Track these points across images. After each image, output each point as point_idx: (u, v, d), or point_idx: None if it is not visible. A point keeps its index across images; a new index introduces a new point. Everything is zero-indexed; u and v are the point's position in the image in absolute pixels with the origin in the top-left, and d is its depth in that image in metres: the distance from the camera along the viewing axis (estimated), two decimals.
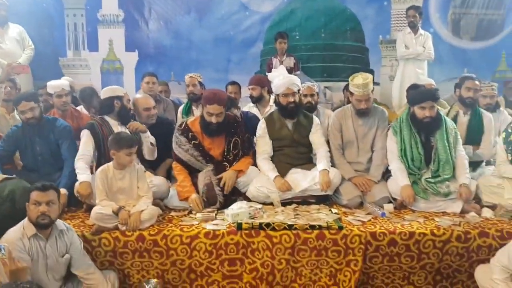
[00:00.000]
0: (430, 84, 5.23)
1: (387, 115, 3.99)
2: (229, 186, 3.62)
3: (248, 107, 4.92)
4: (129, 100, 4.01)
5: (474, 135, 4.19)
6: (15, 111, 4.11)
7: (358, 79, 3.72)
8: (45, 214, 2.65)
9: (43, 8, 6.34)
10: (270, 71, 5.86)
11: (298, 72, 5.88)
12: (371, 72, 6.47)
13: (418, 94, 3.70)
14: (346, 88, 4.78)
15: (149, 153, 3.89)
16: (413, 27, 5.81)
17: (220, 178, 3.63)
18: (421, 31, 5.86)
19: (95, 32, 6.47)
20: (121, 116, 3.82)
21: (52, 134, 3.84)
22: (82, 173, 3.48)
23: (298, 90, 3.93)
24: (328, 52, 6.45)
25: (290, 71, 5.73)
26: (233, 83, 5.26)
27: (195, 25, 6.45)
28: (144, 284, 3.09)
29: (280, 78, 3.88)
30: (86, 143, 3.66)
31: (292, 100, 3.81)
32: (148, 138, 3.85)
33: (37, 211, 2.65)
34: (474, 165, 4.16)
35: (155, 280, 3.11)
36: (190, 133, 3.70)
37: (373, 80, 6.24)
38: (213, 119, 3.60)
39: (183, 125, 3.76)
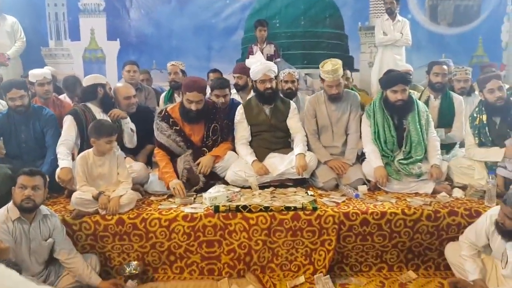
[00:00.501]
0: (408, 70, 5.35)
1: (360, 99, 4.08)
2: (206, 171, 3.69)
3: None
4: (111, 88, 4.06)
5: (445, 118, 4.29)
6: None
7: (328, 66, 3.80)
8: (30, 198, 2.71)
9: None
10: None
11: (278, 59, 5.94)
12: (351, 58, 6.59)
13: (390, 78, 3.78)
14: None
15: (129, 139, 3.95)
16: (391, 14, 5.89)
17: (199, 163, 3.70)
18: (399, 17, 5.94)
19: (76, 21, 6.46)
20: (104, 103, 3.88)
21: (38, 122, 3.90)
22: (63, 159, 3.52)
23: (276, 77, 4.01)
24: (308, 39, 6.49)
25: (270, 58, 5.82)
26: (215, 70, 5.33)
27: (176, 13, 6.45)
28: (125, 266, 3.16)
29: (258, 64, 3.96)
30: (68, 129, 3.69)
31: (269, 86, 3.89)
32: (128, 124, 3.91)
33: (22, 194, 2.71)
34: (448, 147, 4.28)
35: (136, 262, 3.19)
36: (171, 119, 3.75)
37: (353, 66, 6.43)
38: (193, 106, 3.65)
39: (163, 112, 3.81)
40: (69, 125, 3.69)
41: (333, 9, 6.47)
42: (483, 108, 3.77)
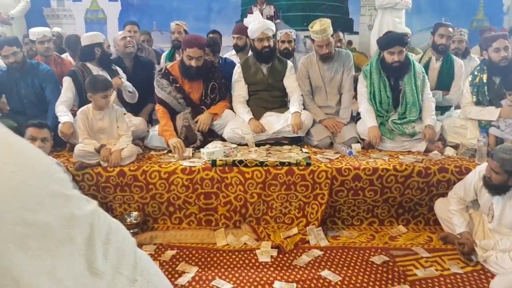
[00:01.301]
0: (407, 33, 5.35)
1: (352, 57, 4.11)
2: (204, 128, 3.78)
3: (229, 55, 5.02)
4: (109, 46, 4.11)
5: (445, 81, 4.35)
6: None
7: (316, 25, 3.82)
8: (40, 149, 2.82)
9: None
10: None
11: (278, 21, 5.95)
12: (350, 21, 6.57)
13: (387, 39, 3.80)
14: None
15: (130, 98, 4.04)
16: None
17: (197, 121, 3.79)
18: None
19: None
20: (102, 62, 3.94)
21: (36, 78, 3.98)
22: (64, 115, 3.63)
23: (273, 35, 4.05)
24: (307, 1, 6.44)
25: (270, 19, 5.78)
26: (214, 31, 5.34)
27: None
28: (126, 216, 3.30)
29: (256, 23, 3.99)
30: (66, 90, 3.79)
31: (267, 44, 3.93)
32: (126, 87, 3.97)
33: None
34: (444, 109, 4.36)
35: (136, 212, 3.33)
36: (171, 76, 3.82)
37: (352, 29, 6.41)
38: (193, 63, 3.70)
39: (163, 70, 3.88)
40: (67, 87, 3.79)
41: None
42: (484, 67, 3.78)
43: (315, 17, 6.34)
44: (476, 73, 3.82)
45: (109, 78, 3.73)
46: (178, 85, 3.81)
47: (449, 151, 3.67)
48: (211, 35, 5.26)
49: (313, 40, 3.97)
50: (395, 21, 5.80)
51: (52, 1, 6.43)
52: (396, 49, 3.69)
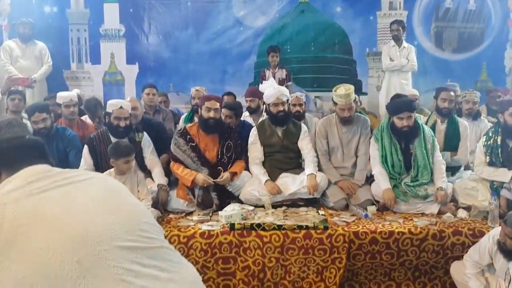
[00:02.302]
0: (414, 94, 5.53)
1: (369, 123, 4.26)
2: (225, 183, 3.90)
3: (243, 116, 5.19)
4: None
5: (451, 142, 4.45)
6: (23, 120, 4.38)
7: (341, 90, 3.99)
8: None
9: (49, 24, 6.63)
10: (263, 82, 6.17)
11: (289, 83, 6.16)
12: (359, 82, 6.80)
13: (396, 105, 3.94)
14: None
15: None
16: (397, 40, 6.09)
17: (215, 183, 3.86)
18: (404, 44, 6.14)
19: (97, 45, 6.76)
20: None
21: (61, 143, 4.12)
22: None
23: (287, 100, 4.22)
24: (318, 64, 6.72)
25: (282, 82, 6.05)
26: (229, 93, 5.55)
27: (193, 39, 6.71)
28: None
29: (271, 89, 4.17)
30: (85, 158, 3.92)
31: (282, 109, 4.09)
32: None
33: None
34: (453, 170, 4.43)
35: None
36: (188, 136, 3.98)
37: (361, 90, 6.62)
38: (211, 114, 3.89)
39: (181, 129, 4.07)
40: (85, 155, 3.91)
41: (341, 36, 6.70)
42: (499, 130, 3.88)
43: (324, 79, 6.70)
44: (490, 134, 3.93)
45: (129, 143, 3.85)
46: (194, 144, 3.96)
47: (462, 213, 3.71)
48: (226, 97, 5.47)
49: (335, 103, 4.12)
50: (402, 83, 5.99)
51: (72, 63, 6.72)
52: (405, 114, 3.82)
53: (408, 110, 3.83)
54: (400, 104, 3.94)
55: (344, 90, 3.97)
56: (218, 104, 3.96)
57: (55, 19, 6.66)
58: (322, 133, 4.19)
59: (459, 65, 6.71)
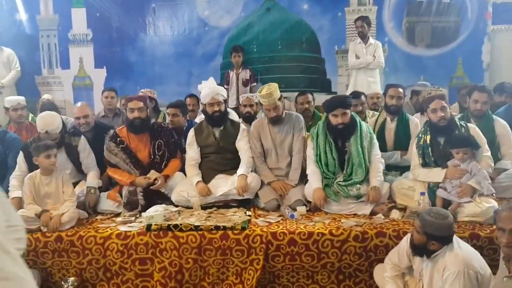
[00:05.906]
0: (377, 93, 5.41)
1: (302, 120, 4.15)
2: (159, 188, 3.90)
3: (199, 119, 5.16)
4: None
5: (402, 141, 4.33)
6: None
7: (264, 90, 3.89)
8: None
9: (21, 31, 6.78)
10: (227, 84, 6.15)
11: (254, 84, 6.11)
12: (328, 81, 6.66)
13: (330, 102, 3.84)
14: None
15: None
16: (363, 37, 5.94)
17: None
18: (371, 40, 5.98)
19: (66, 51, 6.84)
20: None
21: (1, 145, 4.20)
22: (14, 190, 3.79)
23: (225, 100, 4.17)
24: (285, 63, 6.58)
25: (246, 83, 6.02)
26: (191, 95, 5.54)
27: (158, 41, 6.73)
28: (62, 282, 3.34)
29: (206, 89, 4.13)
30: (19, 164, 3.92)
31: (217, 109, 4.05)
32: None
33: None
34: (403, 169, 4.27)
35: (73, 278, 3.35)
36: (118, 138, 3.99)
37: (331, 89, 6.48)
38: (136, 114, 3.92)
39: (112, 133, 4.07)
40: (19, 162, 3.91)
41: (309, 34, 6.53)
42: (428, 129, 3.77)
43: (292, 79, 6.58)
44: (420, 135, 3.80)
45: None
46: (124, 146, 3.96)
47: (395, 214, 3.57)
48: (188, 99, 5.46)
49: (261, 104, 4.05)
50: (369, 81, 5.84)
51: (43, 69, 6.85)
52: (339, 111, 3.71)
53: (341, 107, 3.72)
54: (334, 101, 3.85)
55: (266, 89, 3.87)
56: (141, 103, 3.96)
57: (26, 26, 6.79)
58: (255, 135, 4.10)
59: (433, 62, 6.45)
